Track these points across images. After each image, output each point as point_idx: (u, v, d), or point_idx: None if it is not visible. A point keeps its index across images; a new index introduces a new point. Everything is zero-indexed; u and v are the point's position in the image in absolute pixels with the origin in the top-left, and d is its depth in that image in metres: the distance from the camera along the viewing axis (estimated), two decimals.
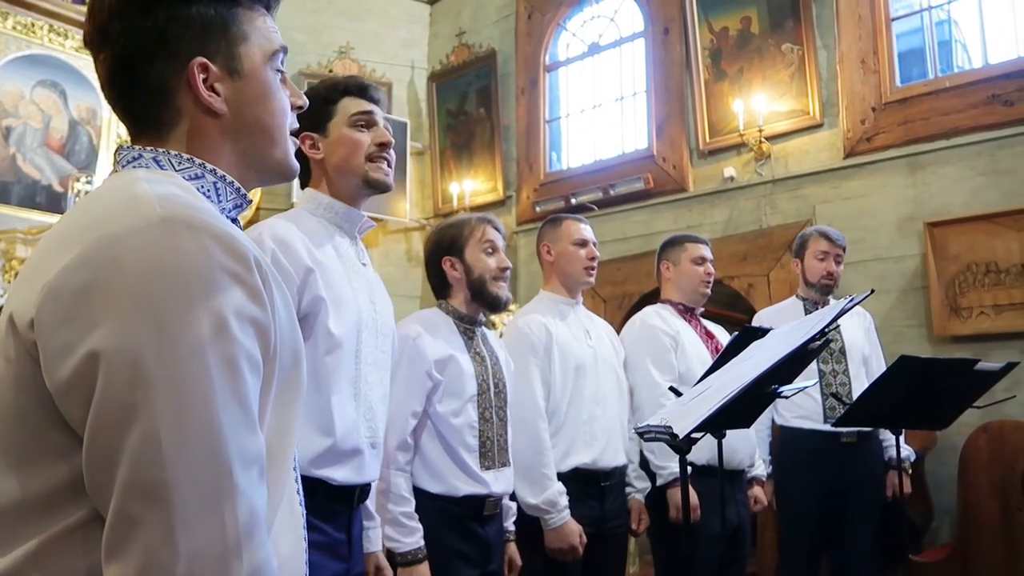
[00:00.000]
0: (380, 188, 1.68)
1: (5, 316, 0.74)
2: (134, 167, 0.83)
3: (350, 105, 1.68)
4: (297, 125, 0.97)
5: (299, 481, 0.92)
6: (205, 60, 0.84)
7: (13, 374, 0.73)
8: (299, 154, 1.64)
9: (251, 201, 0.93)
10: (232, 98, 0.87)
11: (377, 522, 1.79)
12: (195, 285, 0.69)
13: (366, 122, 1.68)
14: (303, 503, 0.92)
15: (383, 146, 1.68)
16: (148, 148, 0.84)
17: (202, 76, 0.84)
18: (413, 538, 1.93)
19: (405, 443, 2.00)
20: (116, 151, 0.86)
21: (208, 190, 0.85)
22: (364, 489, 1.62)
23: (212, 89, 0.85)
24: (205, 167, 0.85)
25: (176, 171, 0.83)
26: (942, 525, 3.93)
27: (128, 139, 0.89)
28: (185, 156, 0.84)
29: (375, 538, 1.76)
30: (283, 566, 0.78)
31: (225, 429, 0.69)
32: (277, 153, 0.92)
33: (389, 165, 1.69)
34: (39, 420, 0.72)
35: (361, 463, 1.57)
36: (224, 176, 0.87)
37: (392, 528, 1.92)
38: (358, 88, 1.70)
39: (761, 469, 2.88)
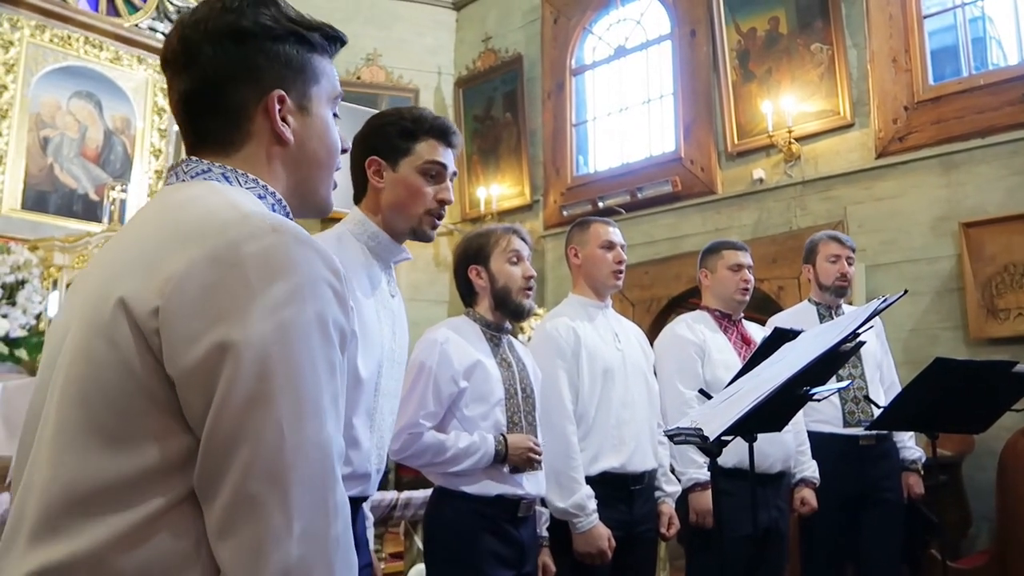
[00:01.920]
0: (423, 240, 1.71)
1: (110, 299, 0.78)
2: (205, 179, 0.90)
3: (428, 149, 1.66)
4: (340, 167, 1.04)
5: None
6: (283, 93, 0.92)
7: (117, 358, 0.77)
8: (361, 173, 1.65)
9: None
10: (299, 131, 0.95)
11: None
12: (307, 291, 0.78)
13: (436, 174, 1.66)
14: None
15: (443, 203, 1.67)
16: (217, 164, 0.91)
17: (278, 107, 0.92)
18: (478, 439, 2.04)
19: (413, 423, 2.02)
20: (182, 162, 0.92)
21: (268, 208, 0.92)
22: (363, 498, 1.68)
23: (284, 120, 0.93)
24: (267, 188, 0.92)
25: (243, 187, 0.91)
26: (980, 531, 3.85)
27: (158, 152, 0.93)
28: (250, 176, 0.92)
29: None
30: None
31: (329, 424, 0.77)
32: (323, 189, 1.00)
33: (440, 220, 1.69)
34: (141, 404, 0.76)
35: (367, 485, 1.62)
36: (281, 199, 0.94)
37: (457, 456, 2.02)
38: (441, 131, 1.68)
39: (811, 471, 2.85)
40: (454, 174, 1.72)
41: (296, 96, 0.94)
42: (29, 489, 0.79)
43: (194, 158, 0.92)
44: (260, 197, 0.91)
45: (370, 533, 1.81)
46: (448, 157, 1.69)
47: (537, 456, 2.11)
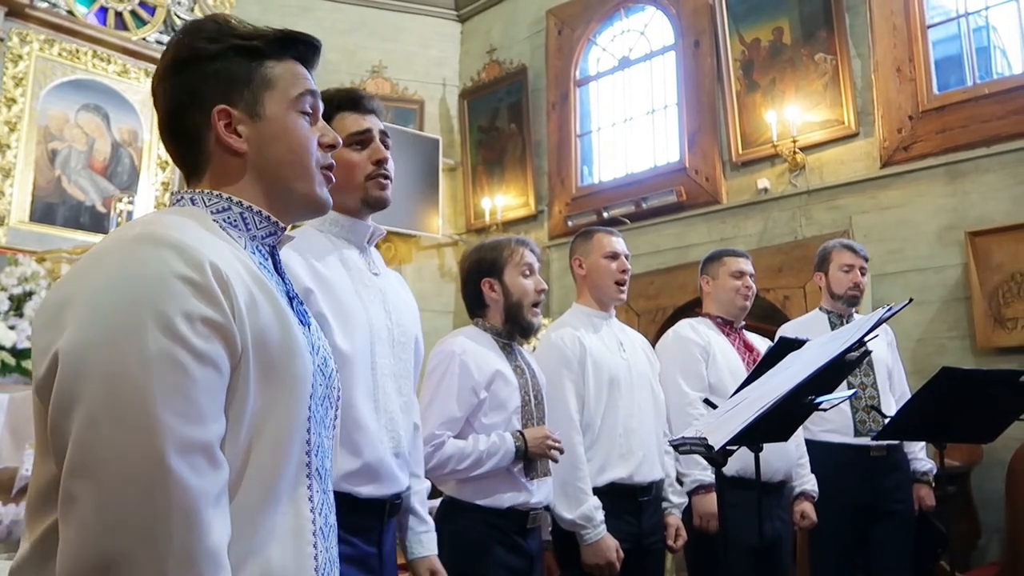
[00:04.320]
0: (379, 206, 1.65)
1: None
2: (178, 205, 0.96)
3: (346, 122, 1.62)
4: (332, 162, 1.04)
5: (322, 491, 0.95)
6: (226, 107, 0.95)
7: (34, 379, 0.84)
8: None
9: (284, 228, 1.01)
10: (253, 138, 0.97)
11: (431, 526, 1.78)
12: (145, 289, 0.78)
13: (361, 141, 1.63)
14: (324, 512, 0.95)
15: (380, 163, 1.62)
16: (188, 191, 0.97)
17: (224, 121, 0.95)
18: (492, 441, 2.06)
19: (432, 435, 2.03)
20: (172, 195, 0.99)
21: (235, 220, 0.96)
22: (394, 503, 1.60)
23: (236, 132, 0.96)
24: (231, 200, 0.96)
25: (207, 206, 0.95)
26: (990, 542, 3.81)
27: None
28: (215, 193, 0.96)
29: (428, 542, 1.75)
30: (275, 570, 0.85)
31: (161, 416, 0.75)
32: (299, 186, 1.00)
33: (387, 179, 1.64)
34: (42, 418, 0.82)
35: (387, 476, 1.56)
36: (251, 207, 0.97)
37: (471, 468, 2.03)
38: (351, 102, 1.64)
39: (811, 484, 2.83)
40: (383, 133, 1.66)
41: (246, 106, 0.96)
42: None
43: (175, 192, 0.98)
44: (222, 210, 0.95)
45: (428, 538, 1.74)
46: (369, 121, 1.64)
47: (556, 444, 2.11)
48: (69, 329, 0.77)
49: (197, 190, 0.96)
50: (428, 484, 1.83)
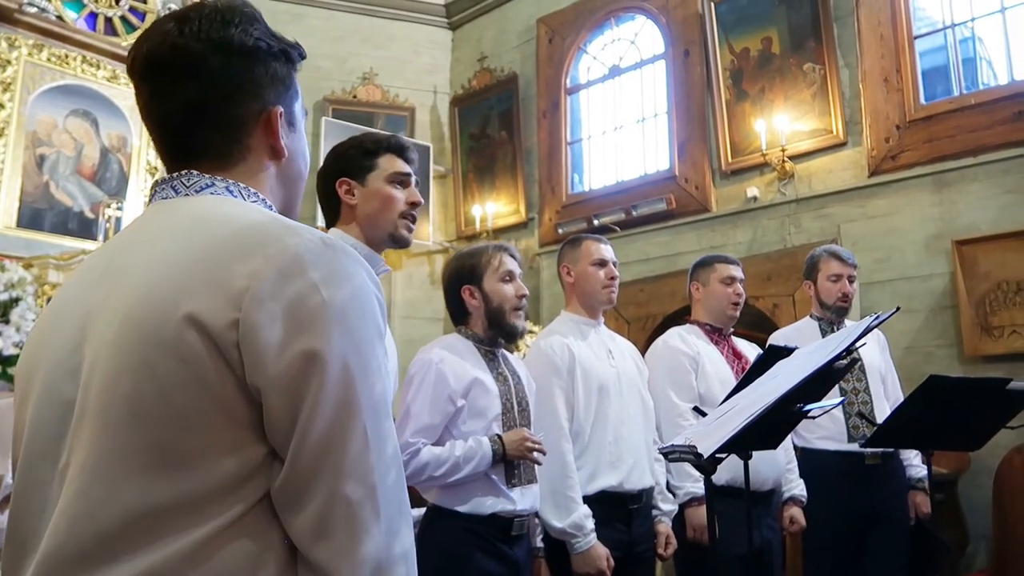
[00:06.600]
0: (403, 244, 1.78)
1: (171, 316, 0.77)
2: (211, 193, 0.90)
3: (391, 163, 1.76)
4: None
5: None
6: (282, 109, 0.95)
7: (189, 375, 0.76)
8: (333, 196, 1.73)
9: None
10: (290, 146, 0.97)
11: None
12: (367, 304, 0.83)
13: (402, 182, 1.76)
14: None
15: (413, 205, 1.76)
16: (219, 177, 0.91)
17: (277, 123, 0.94)
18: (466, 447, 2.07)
19: (407, 443, 2.03)
20: (180, 175, 0.91)
21: None
22: None
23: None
24: (266, 202, 0.94)
25: (246, 199, 0.91)
26: (978, 550, 3.83)
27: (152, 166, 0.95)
28: (252, 189, 0.93)
29: None
30: None
31: (391, 423, 0.85)
32: (298, 206, 1.02)
33: (413, 222, 1.79)
34: (215, 418, 0.77)
35: None
36: (274, 210, 0.95)
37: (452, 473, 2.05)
38: (399, 148, 1.78)
39: (799, 489, 2.83)
40: (417, 182, 1.82)
41: (287, 112, 0.96)
42: (64, 515, 0.77)
43: (194, 172, 0.91)
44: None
45: None
46: (410, 168, 1.80)
47: (535, 445, 2.10)
48: (317, 332, 0.78)
49: (230, 180, 0.91)
50: None
